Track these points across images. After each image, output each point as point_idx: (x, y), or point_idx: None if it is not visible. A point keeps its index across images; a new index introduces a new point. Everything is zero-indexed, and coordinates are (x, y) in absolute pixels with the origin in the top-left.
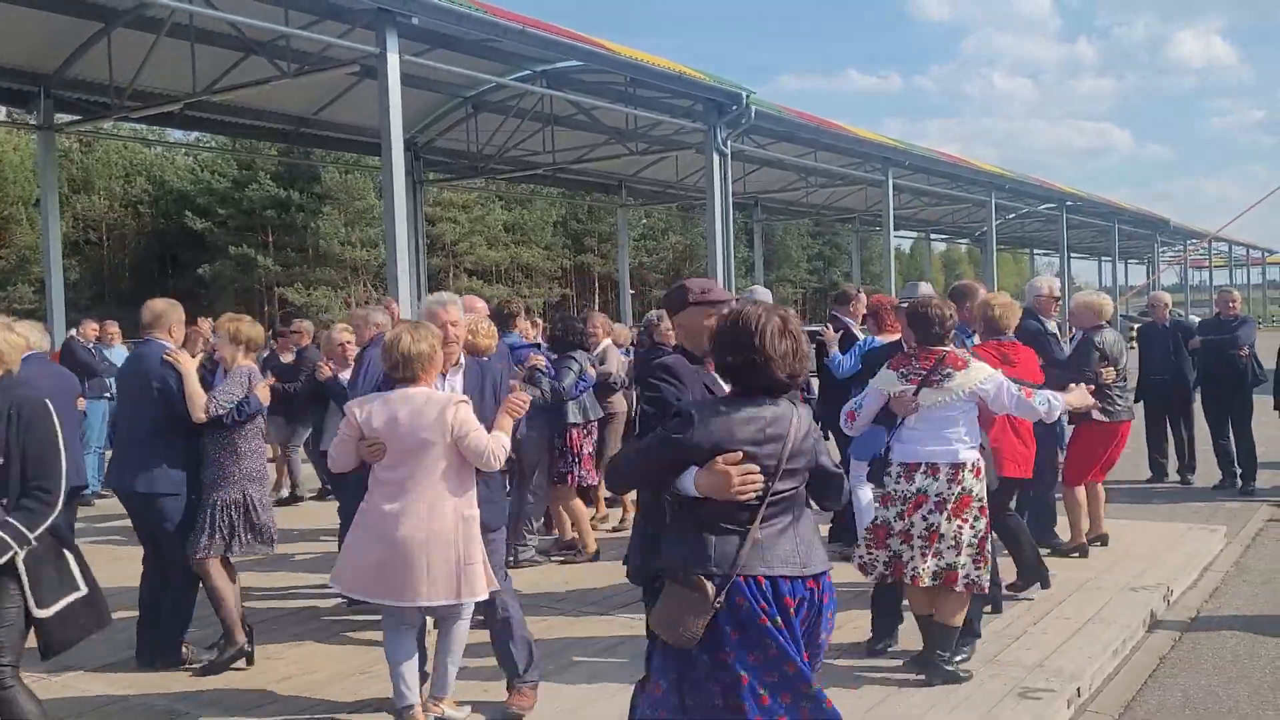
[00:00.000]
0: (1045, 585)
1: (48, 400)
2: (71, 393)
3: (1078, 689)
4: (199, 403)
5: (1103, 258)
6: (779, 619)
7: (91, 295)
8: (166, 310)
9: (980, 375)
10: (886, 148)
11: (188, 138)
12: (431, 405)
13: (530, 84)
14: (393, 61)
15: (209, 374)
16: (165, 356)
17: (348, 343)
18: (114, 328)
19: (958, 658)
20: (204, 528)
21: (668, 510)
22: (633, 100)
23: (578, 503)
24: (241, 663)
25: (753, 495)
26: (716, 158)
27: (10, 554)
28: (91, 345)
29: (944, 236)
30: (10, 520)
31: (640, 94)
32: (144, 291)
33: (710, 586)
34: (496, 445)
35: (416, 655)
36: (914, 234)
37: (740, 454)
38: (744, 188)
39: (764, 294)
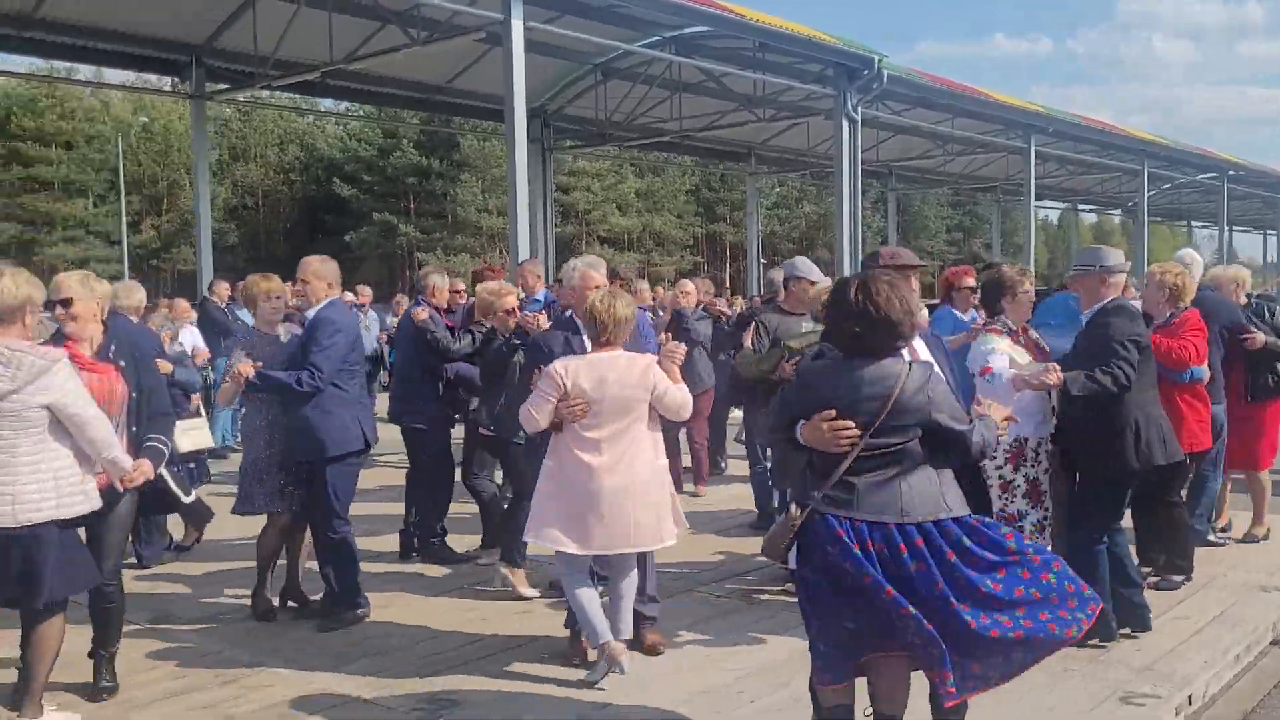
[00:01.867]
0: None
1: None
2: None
3: (1188, 697)
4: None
5: (1268, 231)
6: (856, 555)
7: (248, 258)
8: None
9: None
10: (1028, 113)
11: (338, 106)
12: (635, 366)
13: (658, 50)
14: (516, 27)
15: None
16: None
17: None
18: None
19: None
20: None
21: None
22: (762, 66)
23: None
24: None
25: (847, 447)
26: (846, 124)
27: (164, 460)
28: (224, 305)
29: (1093, 207)
30: (158, 435)
31: (769, 59)
32: (296, 256)
33: (798, 513)
34: (686, 398)
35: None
36: (1061, 204)
37: (833, 410)
38: (877, 155)
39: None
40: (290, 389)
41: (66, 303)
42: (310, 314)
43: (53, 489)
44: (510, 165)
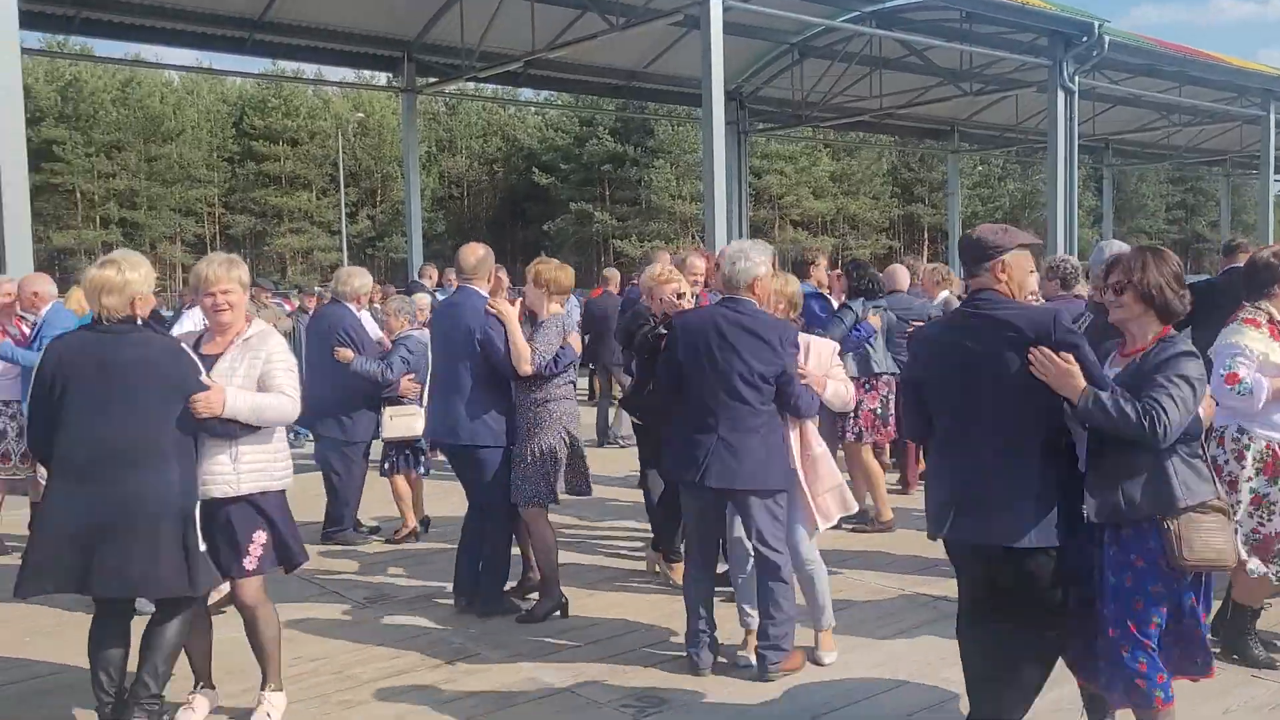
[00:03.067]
0: None
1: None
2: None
3: None
4: (525, 355)
5: None
6: None
7: (453, 245)
8: (487, 257)
9: None
10: (1269, 78)
11: (537, 96)
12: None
13: (859, 25)
14: (715, 8)
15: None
16: (489, 307)
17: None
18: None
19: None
20: (528, 476)
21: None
22: (969, 37)
23: (873, 464)
24: (558, 614)
25: None
26: (1061, 96)
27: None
28: (433, 289)
29: None
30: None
31: (977, 30)
32: (497, 242)
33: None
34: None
35: None
36: None
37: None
38: (1092, 129)
39: (1119, 247)
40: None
41: (225, 292)
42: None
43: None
44: (706, 149)
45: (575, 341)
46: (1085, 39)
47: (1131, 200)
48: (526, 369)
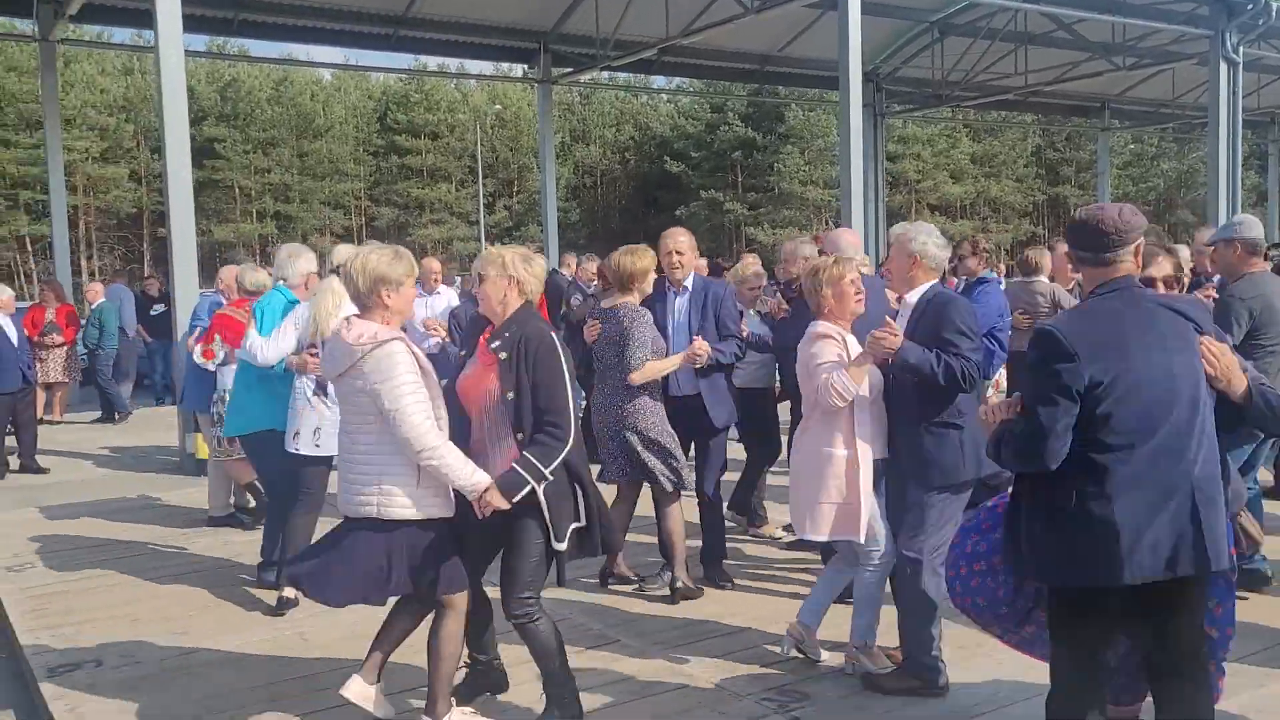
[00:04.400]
0: None
1: (556, 336)
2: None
3: None
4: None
5: None
6: None
7: (587, 234)
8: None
9: None
10: None
11: (669, 84)
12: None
13: (1004, 0)
14: None
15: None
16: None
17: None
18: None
19: None
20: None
21: None
22: (1122, 9)
23: None
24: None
25: None
26: (1224, 68)
27: (527, 489)
28: (572, 279)
29: None
30: (528, 458)
31: (1131, 1)
32: (630, 230)
33: None
34: None
35: None
36: None
37: None
38: (1257, 103)
39: (1254, 226)
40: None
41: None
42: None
43: (377, 486)
44: (843, 133)
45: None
46: (1250, 7)
47: None
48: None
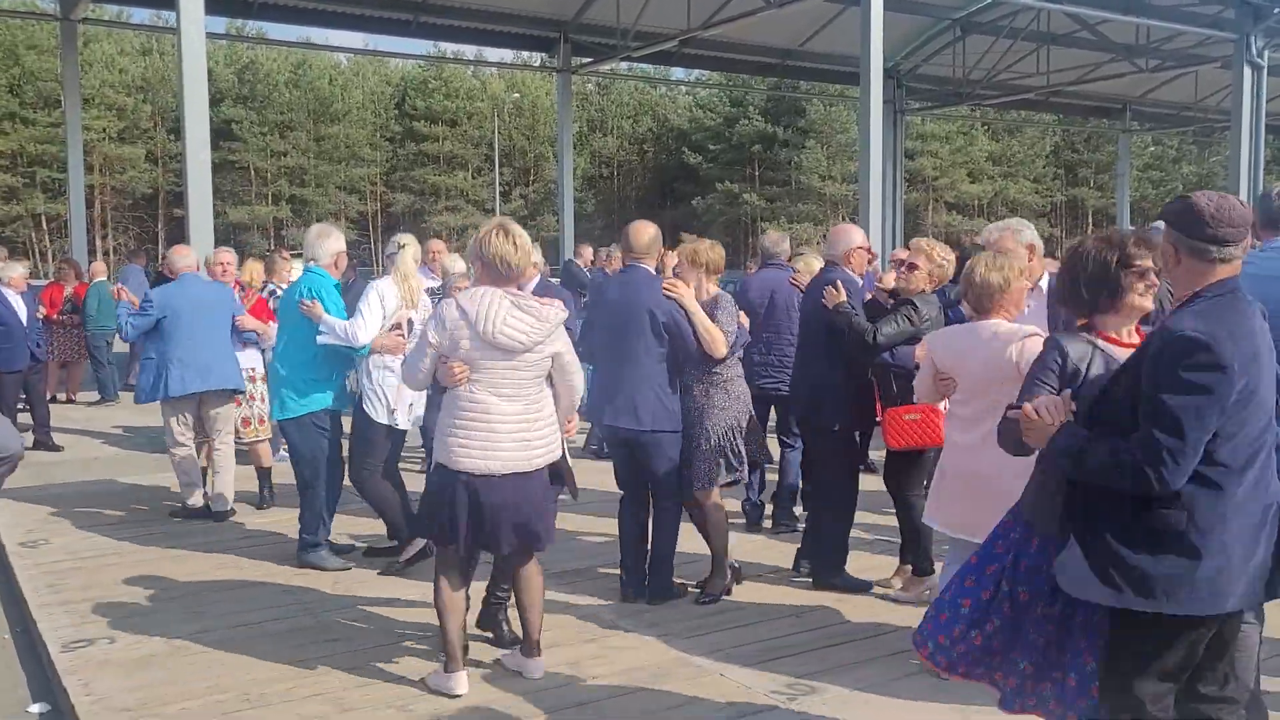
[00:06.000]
0: None
1: None
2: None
3: None
4: (719, 339)
5: None
6: None
7: (603, 225)
8: (658, 237)
9: None
10: None
11: (689, 76)
12: (998, 340)
13: None
14: None
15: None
16: (666, 290)
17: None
18: None
19: None
20: (705, 457)
21: None
22: (1146, 10)
23: None
24: (728, 595)
25: None
26: (1248, 71)
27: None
28: (587, 268)
29: None
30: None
31: (1156, 2)
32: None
33: None
34: None
35: None
36: None
37: None
38: None
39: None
40: None
41: None
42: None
43: (552, 435)
44: (862, 129)
45: (745, 321)
46: (1277, 11)
47: None
48: (723, 350)
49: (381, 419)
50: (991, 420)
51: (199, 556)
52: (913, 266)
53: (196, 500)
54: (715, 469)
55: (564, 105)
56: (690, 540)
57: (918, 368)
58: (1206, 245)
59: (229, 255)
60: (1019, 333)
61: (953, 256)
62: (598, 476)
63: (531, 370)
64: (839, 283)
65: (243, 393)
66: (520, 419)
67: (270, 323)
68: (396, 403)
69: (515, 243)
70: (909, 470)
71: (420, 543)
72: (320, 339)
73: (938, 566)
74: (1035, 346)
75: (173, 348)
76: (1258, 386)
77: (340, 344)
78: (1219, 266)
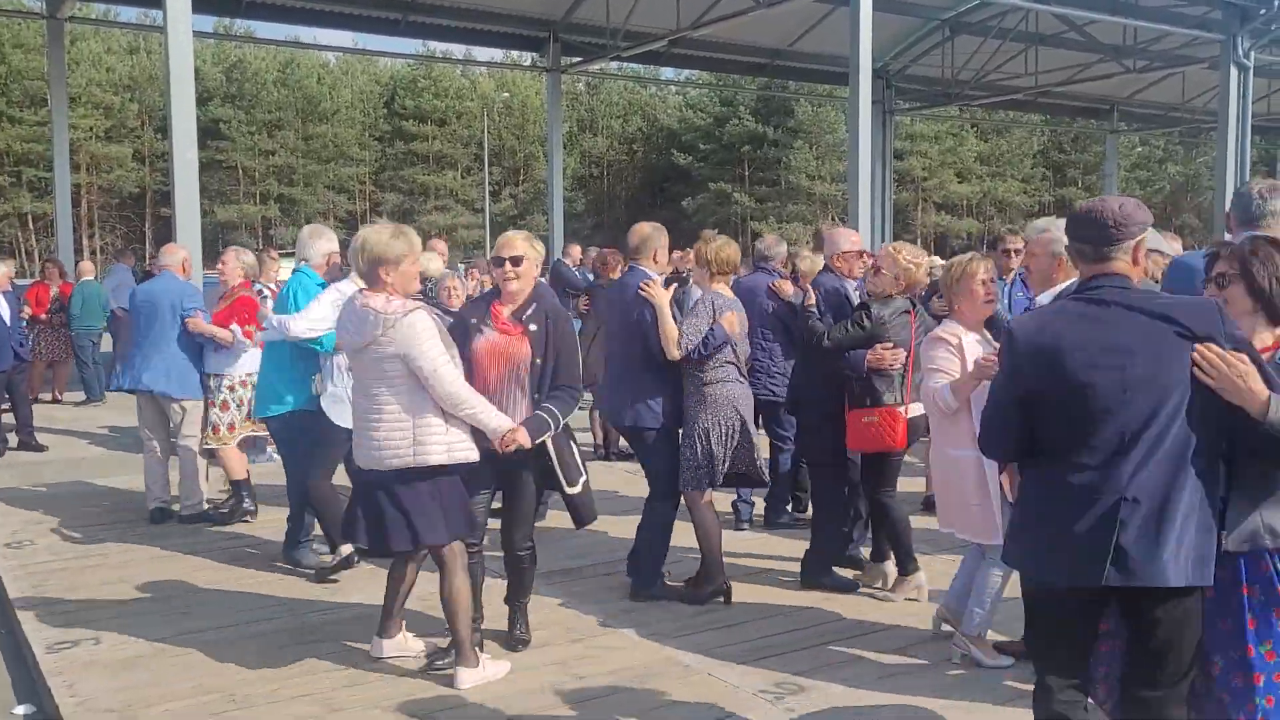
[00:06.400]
0: None
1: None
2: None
3: None
4: (669, 339)
5: None
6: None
7: (593, 225)
8: (653, 235)
9: None
10: None
11: (678, 76)
12: None
13: None
14: None
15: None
16: (640, 288)
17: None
18: None
19: None
20: (689, 460)
21: None
22: (1134, 11)
23: None
24: (720, 599)
25: None
26: (1235, 72)
27: (549, 433)
28: (576, 268)
29: None
30: (550, 408)
31: (1143, 3)
32: (636, 221)
33: None
34: None
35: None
36: None
37: None
38: (1267, 108)
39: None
40: None
41: (516, 260)
42: None
43: (410, 437)
44: (851, 129)
45: (731, 322)
46: (1264, 12)
47: None
48: (674, 352)
49: (344, 423)
50: (935, 418)
51: (184, 558)
52: (877, 270)
53: (155, 502)
54: (701, 473)
55: (553, 105)
56: (684, 537)
57: (872, 371)
58: (1090, 246)
59: (228, 255)
60: (933, 333)
61: (923, 259)
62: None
63: (371, 370)
64: (779, 281)
65: (177, 400)
66: (364, 417)
67: (238, 325)
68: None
69: (363, 242)
70: (881, 471)
71: (347, 549)
72: (262, 335)
73: (952, 563)
74: (933, 350)
75: (124, 344)
76: (1051, 389)
77: (274, 338)
78: (1096, 265)
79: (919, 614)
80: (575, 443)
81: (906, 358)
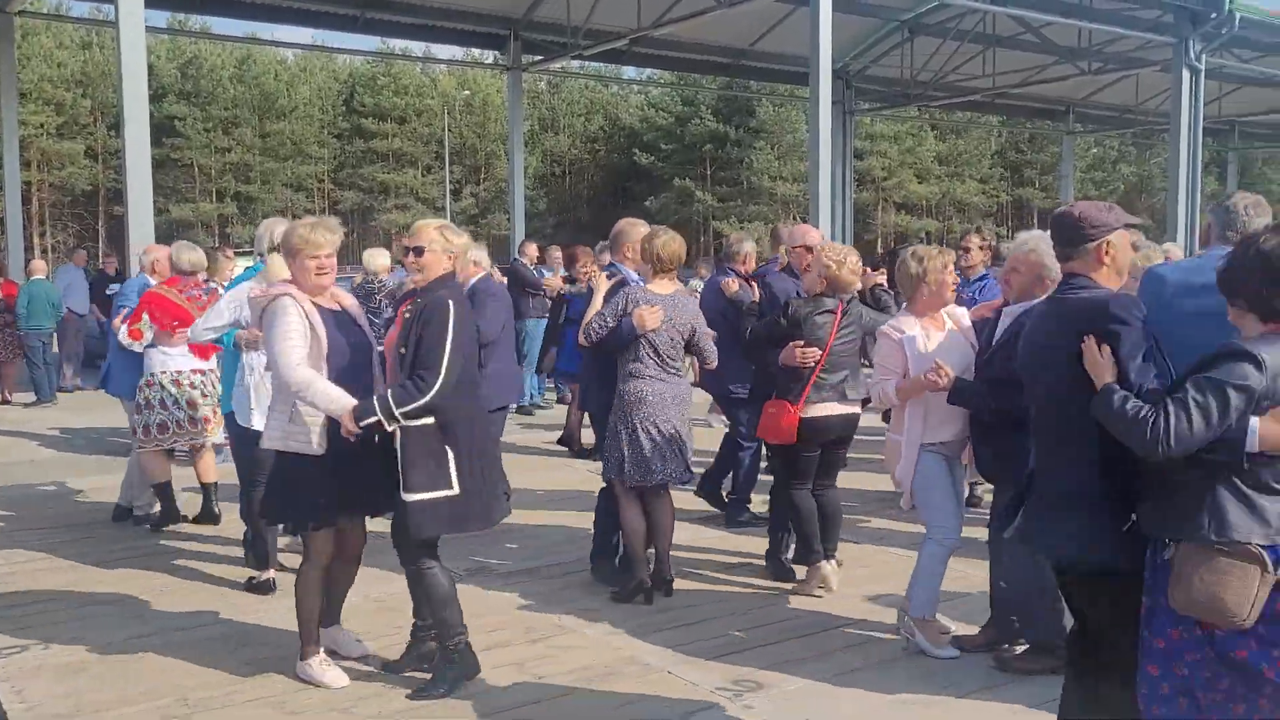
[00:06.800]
0: None
1: (452, 303)
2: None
3: None
4: (582, 327)
5: None
6: None
7: (555, 223)
8: (621, 230)
9: None
10: None
11: (640, 75)
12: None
13: (974, 1)
14: None
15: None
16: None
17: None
18: None
19: None
20: (607, 450)
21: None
22: (1089, 14)
23: None
24: (640, 598)
25: None
26: (1186, 75)
27: (373, 419)
28: (534, 266)
29: None
30: (384, 394)
31: (1097, 6)
32: (599, 221)
33: (1267, 558)
34: None
35: None
36: None
37: None
38: (1218, 110)
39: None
40: None
41: (419, 251)
42: None
43: (278, 420)
44: (812, 129)
45: (648, 317)
46: (1214, 16)
47: (1257, 184)
48: (581, 340)
49: (248, 424)
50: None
51: (135, 561)
52: (806, 268)
53: (127, 502)
54: (608, 465)
55: (514, 103)
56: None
57: (784, 368)
58: (1059, 247)
59: (158, 251)
60: (882, 327)
61: (852, 259)
62: (547, 474)
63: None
64: (725, 280)
65: (123, 397)
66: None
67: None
68: (256, 403)
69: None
70: (787, 463)
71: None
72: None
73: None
74: (879, 343)
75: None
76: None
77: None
78: (1065, 264)
79: (880, 611)
80: (457, 451)
81: (821, 356)
